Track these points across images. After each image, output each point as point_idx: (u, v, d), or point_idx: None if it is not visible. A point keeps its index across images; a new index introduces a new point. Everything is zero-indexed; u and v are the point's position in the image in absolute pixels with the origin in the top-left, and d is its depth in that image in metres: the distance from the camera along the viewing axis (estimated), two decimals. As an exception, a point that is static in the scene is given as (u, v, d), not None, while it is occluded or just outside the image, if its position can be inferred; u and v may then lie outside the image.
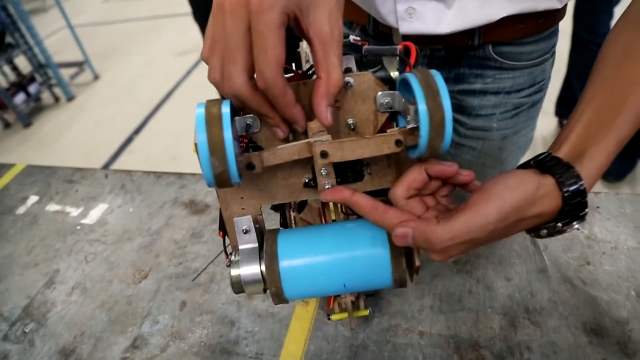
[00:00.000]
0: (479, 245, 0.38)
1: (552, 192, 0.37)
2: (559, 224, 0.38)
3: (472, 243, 0.37)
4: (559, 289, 0.63)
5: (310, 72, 0.44)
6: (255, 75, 0.35)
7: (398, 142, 0.38)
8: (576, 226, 0.38)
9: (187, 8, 1.97)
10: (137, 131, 3.18)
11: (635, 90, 0.40)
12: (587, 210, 0.37)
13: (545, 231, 0.39)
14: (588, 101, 0.41)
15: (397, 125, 0.44)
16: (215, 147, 0.34)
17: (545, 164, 0.39)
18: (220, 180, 0.35)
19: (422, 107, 0.35)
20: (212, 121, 0.34)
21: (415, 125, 0.37)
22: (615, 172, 2.04)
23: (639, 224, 0.71)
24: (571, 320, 0.59)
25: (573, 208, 0.37)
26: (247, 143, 0.43)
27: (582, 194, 0.36)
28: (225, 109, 0.35)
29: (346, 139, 0.38)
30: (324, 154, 0.38)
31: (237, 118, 0.39)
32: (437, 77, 0.36)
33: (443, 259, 0.38)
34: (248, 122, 0.40)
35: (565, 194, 0.36)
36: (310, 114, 0.41)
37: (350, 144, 0.38)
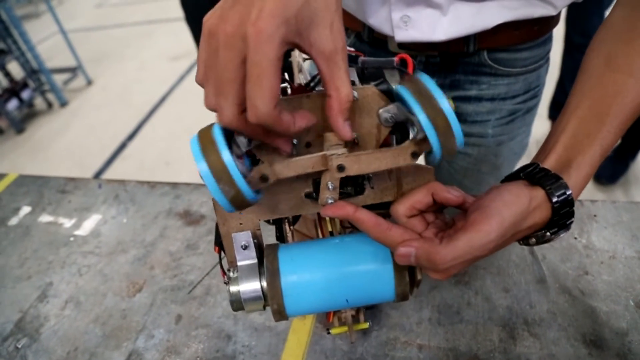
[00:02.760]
0: (476, 261, 0.38)
1: (542, 204, 0.38)
2: (548, 233, 0.39)
3: (472, 260, 0.37)
4: (557, 300, 0.63)
5: (313, 84, 0.44)
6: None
7: (414, 155, 0.38)
8: (562, 235, 0.39)
9: (180, 12, 1.97)
10: (131, 137, 3.17)
11: (618, 100, 0.41)
12: (573, 219, 0.39)
13: (534, 240, 0.41)
14: (572, 111, 0.42)
15: (396, 140, 0.43)
16: (219, 173, 0.33)
17: (534, 175, 0.39)
18: (237, 203, 0.34)
19: (423, 117, 0.34)
20: (207, 148, 0.33)
21: (424, 135, 0.37)
22: (608, 175, 2.05)
23: (636, 232, 0.70)
24: (570, 331, 0.59)
25: (561, 218, 0.38)
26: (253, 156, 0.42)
27: (570, 203, 0.38)
28: (217, 131, 0.34)
29: (362, 152, 0.38)
30: (340, 168, 0.37)
31: (235, 136, 0.38)
32: (427, 81, 0.36)
33: (443, 278, 0.39)
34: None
35: (555, 205, 0.38)
36: (313, 127, 0.40)
37: (367, 157, 0.37)
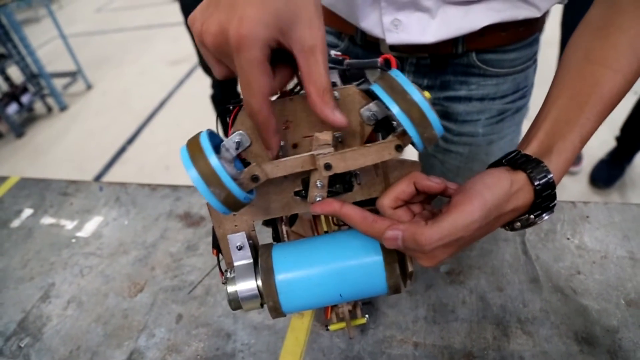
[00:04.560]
0: (464, 246, 0.40)
1: (524, 187, 0.40)
2: (531, 216, 0.41)
3: (458, 243, 0.38)
4: (550, 299, 0.64)
5: (297, 89, 0.45)
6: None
7: (398, 147, 0.39)
8: (545, 217, 0.41)
9: (180, 17, 1.98)
10: (131, 141, 3.18)
11: (597, 90, 0.43)
12: (555, 202, 0.40)
13: (518, 224, 0.42)
14: (554, 101, 0.45)
15: (382, 137, 0.45)
16: (209, 177, 0.35)
17: (516, 161, 0.41)
18: (230, 204, 0.36)
19: (396, 110, 0.36)
20: (196, 155, 0.35)
21: (403, 128, 0.39)
22: (605, 179, 2.07)
23: (627, 233, 0.72)
24: (563, 329, 0.60)
25: (544, 200, 0.40)
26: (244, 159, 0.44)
27: (551, 186, 0.39)
28: (203, 137, 0.36)
29: (348, 149, 0.39)
30: (327, 166, 0.39)
31: (224, 141, 0.40)
32: (398, 76, 0.37)
33: (432, 264, 0.40)
34: (236, 140, 0.40)
35: (537, 187, 0.39)
36: (298, 129, 0.42)
37: (352, 153, 0.39)
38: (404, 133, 0.39)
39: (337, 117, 0.36)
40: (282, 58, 0.37)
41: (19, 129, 3.43)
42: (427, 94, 0.39)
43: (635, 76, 0.44)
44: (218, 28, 0.33)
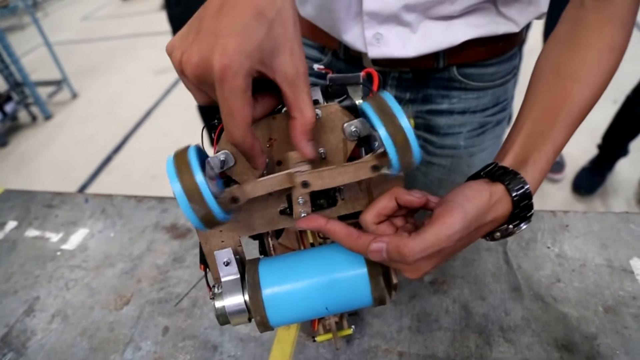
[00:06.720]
0: (447, 257, 0.41)
1: (503, 198, 0.41)
2: (510, 226, 0.43)
3: (441, 255, 0.40)
4: (531, 307, 0.65)
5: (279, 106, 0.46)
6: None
7: (374, 168, 0.40)
8: (524, 227, 0.43)
9: (167, 26, 1.99)
10: (117, 150, 3.16)
11: (567, 104, 0.45)
12: (533, 211, 0.42)
13: (498, 234, 0.44)
14: (527, 114, 0.47)
15: (365, 152, 0.46)
16: (191, 193, 0.35)
17: (494, 173, 0.43)
18: (207, 222, 0.36)
19: (383, 133, 0.37)
20: (182, 169, 0.36)
21: (384, 150, 0.40)
22: (587, 187, 2.11)
23: (605, 241, 0.74)
24: (543, 337, 0.61)
25: (521, 210, 0.42)
26: (225, 177, 0.44)
27: (528, 196, 0.41)
28: (192, 152, 0.37)
29: (325, 168, 0.40)
30: (305, 184, 0.40)
31: (209, 158, 0.40)
32: (390, 100, 0.38)
33: (416, 276, 0.41)
34: (222, 159, 0.41)
35: (515, 198, 0.41)
36: (282, 146, 0.43)
37: (329, 172, 0.40)
38: (384, 155, 0.40)
39: (310, 150, 0.39)
40: (263, 86, 0.38)
41: (3, 139, 3.39)
42: (412, 121, 0.40)
43: (602, 88, 0.46)
44: (199, 58, 0.33)
